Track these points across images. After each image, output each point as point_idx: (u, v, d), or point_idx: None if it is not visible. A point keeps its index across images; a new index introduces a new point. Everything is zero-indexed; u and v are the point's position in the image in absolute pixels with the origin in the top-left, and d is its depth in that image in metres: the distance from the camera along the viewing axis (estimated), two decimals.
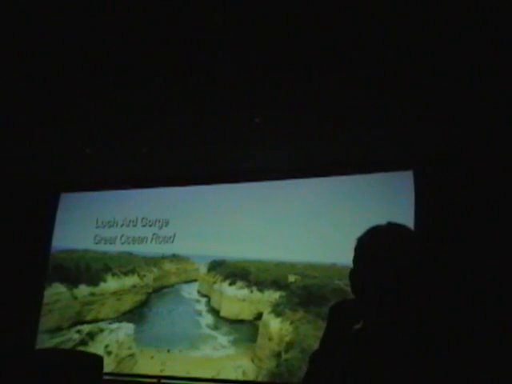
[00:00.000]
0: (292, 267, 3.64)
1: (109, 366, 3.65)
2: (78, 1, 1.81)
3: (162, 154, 3.53)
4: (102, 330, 4.01)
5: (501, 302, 2.60)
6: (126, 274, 4.19)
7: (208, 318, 3.89)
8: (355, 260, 0.93)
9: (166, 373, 3.65)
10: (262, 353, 3.51)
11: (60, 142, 3.36)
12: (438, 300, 0.88)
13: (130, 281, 4.17)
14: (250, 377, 3.48)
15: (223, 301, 3.86)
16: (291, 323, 3.49)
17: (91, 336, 3.99)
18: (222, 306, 3.86)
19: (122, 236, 4.18)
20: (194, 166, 3.75)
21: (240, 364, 3.55)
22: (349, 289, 0.94)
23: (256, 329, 3.62)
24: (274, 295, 3.63)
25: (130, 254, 4.21)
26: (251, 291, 3.75)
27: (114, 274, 4.19)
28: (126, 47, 2.13)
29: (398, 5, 1.74)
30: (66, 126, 3.07)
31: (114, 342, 3.91)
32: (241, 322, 3.72)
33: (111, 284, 4.17)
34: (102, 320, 4.05)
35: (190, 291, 4.10)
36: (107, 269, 4.21)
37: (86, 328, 4.04)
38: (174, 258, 4.14)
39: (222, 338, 3.74)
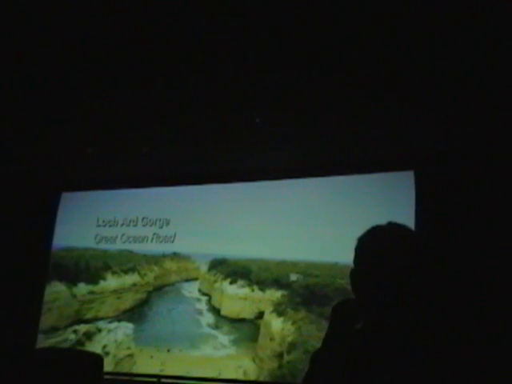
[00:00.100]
0: (293, 266, 3.60)
1: (107, 366, 3.61)
2: (78, 1, 1.82)
3: (163, 153, 3.53)
4: (99, 330, 3.98)
5: (501, 301, 2.60)
6: (126, 272, 4.17)
7: (209, 317, 3.87)
8: (356, 260, 0.93)
9: (166, 373, 3.61)
10: (264, 353, 3.47)
11: (61, 142, 3.37)
12: (439, 300, 0.88)
13: (131, 279, 4.15)
14: (251, 377, 3.44)
15: (224, 299, 3.83)
16: (293, 323, 3.43)
17: (88, 336, 3.96)
18: (223, 305, 3.83)
19: (123, 235, 4.18)
20: (194, 165, 3.75)
21: (241, 364, 3.51)
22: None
23: (257, 328, 3.58)
24: (275, 294, 3.59)
25: (131, 252, 4.20)
26: (252, 290, 3.71)
27: (113, 273, 4.17)
28: (126, 47, 2.14)
29: (397, 5, 1.74)
30: (67, 126, 3.08)
31: (112, 342, 3.87)
32: (242, 321, 3.68)
33: (111, 282, 4.15)
34: (102, 318, 4.03)
35: (191, 290, 4.07)
36: (107, 267, 4.19)
37: (83, 328, 4.00)
38: (175, 256, 4.12)
39: (223, 338, 3.70)
